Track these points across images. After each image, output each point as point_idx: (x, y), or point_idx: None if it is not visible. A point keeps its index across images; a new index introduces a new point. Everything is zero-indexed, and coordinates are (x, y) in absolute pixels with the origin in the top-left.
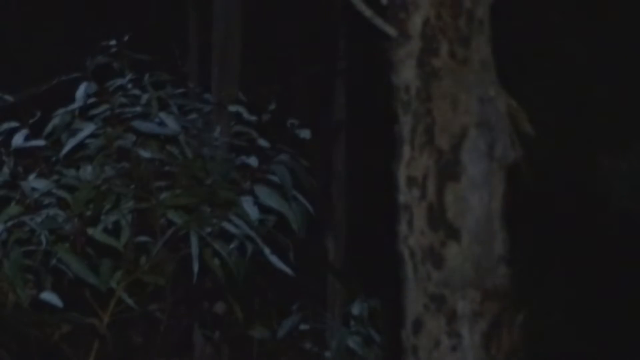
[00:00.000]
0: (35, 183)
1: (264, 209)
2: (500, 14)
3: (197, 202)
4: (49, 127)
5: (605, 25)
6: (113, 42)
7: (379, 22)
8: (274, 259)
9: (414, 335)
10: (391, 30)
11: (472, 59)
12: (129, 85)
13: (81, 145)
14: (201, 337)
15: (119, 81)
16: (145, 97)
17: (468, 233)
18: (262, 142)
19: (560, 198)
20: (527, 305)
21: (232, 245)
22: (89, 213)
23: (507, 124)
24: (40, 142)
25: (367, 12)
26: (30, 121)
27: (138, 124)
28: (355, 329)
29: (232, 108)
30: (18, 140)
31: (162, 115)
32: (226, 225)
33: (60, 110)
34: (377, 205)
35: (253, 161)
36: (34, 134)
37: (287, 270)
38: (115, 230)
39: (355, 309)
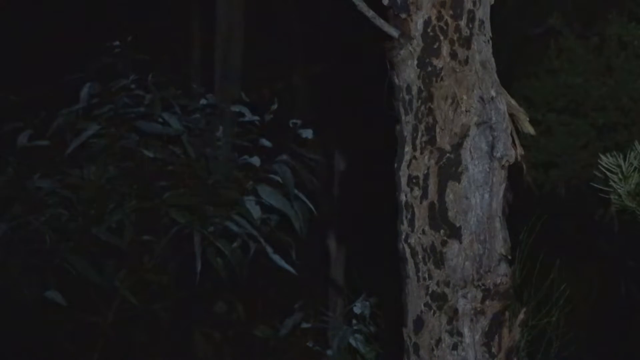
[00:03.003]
0: (39, 182)
1: (266, 208)
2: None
3: (200, 202)
4: (53, 127)
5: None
6: (116, 43)
7: (380, 22)
8: (276, 258)
9: (415, 334)
10: (393, 31)
11: (473, 59)
12: (132, 86)
13: (85, 145)
14: (203, 335)
15: (122, 82)
16: (148, 98)
17: (469, 232)
18: (265, 142)
19: (560, 198)
20: (528, 304)
21: (234, 244)
22: (92, 212)
23: (508, 124)
24: (44, 142)
25: (369, 13)
26: (35, 121)
27: (141, 124)
28: (357, 327)
29: (235, 108)
30: (22, 140)
31: (165, 115)
32: (229, 224)
33: (64, 111)
34: (379, 204)
35: (255, 161)
36: (38, 134)
37: (290, 269)
38: (118, 230)
39: (357, 308)
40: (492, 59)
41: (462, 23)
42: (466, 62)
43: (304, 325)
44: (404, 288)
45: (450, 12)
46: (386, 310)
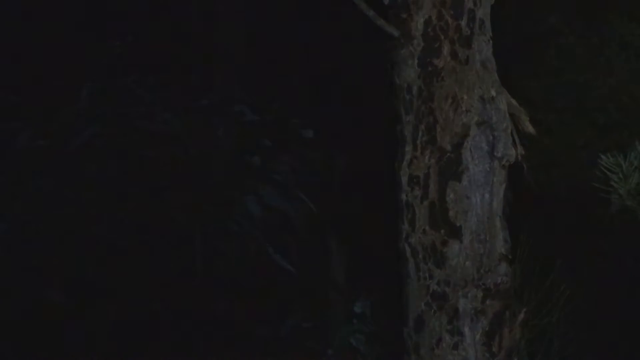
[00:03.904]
0: (39, 182)
1: (266, 207)
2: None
3: (200, 202)
4: (53, 127)
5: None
6: (117, 43)
7: (381, 22)
8: (276, 257)
9: (415, 333)
10: (393, 31)
11: (474, 58)
12: (133, 86)
13: (85, 145)
14: (204, 334)
15: (122, 82)
16: (149, 97)
17: (469, 232)
18: (265, 142)
19: (560, 198)
20: (528, 304)
21: (235, 244)
22: (93, 212)
23: (508, 124)
24: (44, 142)
25: (370, 12)
26: (35, 121)
27: (141, 124)
28: (357, 327)
29: (236, 107)
30: (22, 140)
31: (165, 115)
32: (230, 223)
33: (64, 111)
34: (379, 204)
35: (256, 160)
36: (38, 134)
37: (290, 268)
38: (119, 230)
39: (357, 307)
40: (492, 59)
41: (463, 23)
42: (467, 61)
43: (305, 324)
44: (404, 288)
45: (451, 11)
46: (386, 310)
